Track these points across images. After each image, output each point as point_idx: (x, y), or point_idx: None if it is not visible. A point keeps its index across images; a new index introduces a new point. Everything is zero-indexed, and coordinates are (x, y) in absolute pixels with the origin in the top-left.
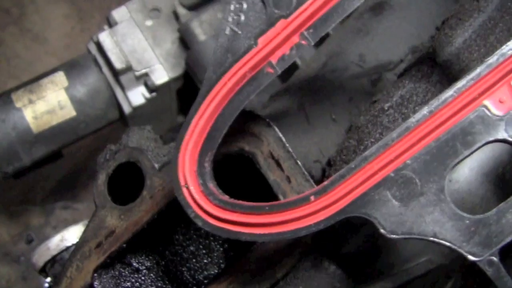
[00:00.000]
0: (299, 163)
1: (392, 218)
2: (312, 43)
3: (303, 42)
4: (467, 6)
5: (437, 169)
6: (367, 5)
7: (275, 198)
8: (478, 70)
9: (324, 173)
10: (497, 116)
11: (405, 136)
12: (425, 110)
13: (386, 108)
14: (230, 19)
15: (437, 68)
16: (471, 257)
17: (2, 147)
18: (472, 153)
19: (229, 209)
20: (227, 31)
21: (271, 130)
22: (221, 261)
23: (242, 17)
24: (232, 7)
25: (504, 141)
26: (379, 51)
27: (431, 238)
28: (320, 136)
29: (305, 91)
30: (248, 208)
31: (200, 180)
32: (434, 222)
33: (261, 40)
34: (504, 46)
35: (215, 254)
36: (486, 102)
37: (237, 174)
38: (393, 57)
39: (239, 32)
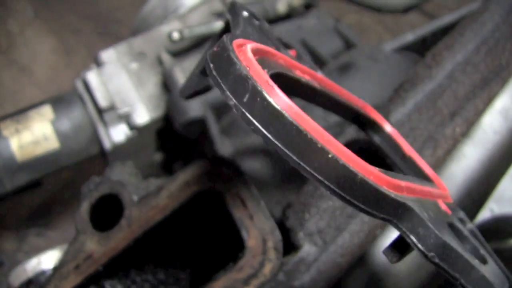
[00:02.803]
0: (262, 203)
1: (435, 227)
2: (319, 89)
3: (314, 83)
4: (421, 72)
5: (437, 215)
6: (335, 64)
7: (239, 233)
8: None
9: (284, 214)
10: (446, 212)
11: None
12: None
13: None
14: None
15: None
16: None
17: None
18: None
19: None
20: None
21: (239, 174)
22: None
23: (256, 35)
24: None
25: (456, 227)
26: None
27: (469, 260)
28: (283, 181)
29: None
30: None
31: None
32: (461, 248)
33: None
34: None
35: (182, 283)
36: (438, 201)
37: (206, 210)
38: None
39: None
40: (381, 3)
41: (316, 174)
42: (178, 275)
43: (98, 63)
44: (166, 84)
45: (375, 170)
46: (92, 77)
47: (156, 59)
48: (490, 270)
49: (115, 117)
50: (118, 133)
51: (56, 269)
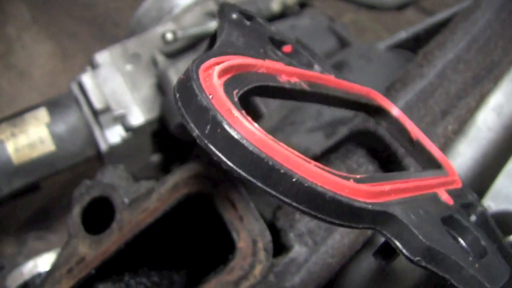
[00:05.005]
0: (252, 204)
1: (421, 230)
2: (309, 90)
3: (303, 84)
4: (412, 71)
5: (430, 214)
6: (328, 63)
7: (229, 234)
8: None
9: (275, 215)
10: (446, 203)
11: (401, 180)
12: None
13: (332, 159)
14: (228, 36)
15: (380, 126)
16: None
17: None
18: (443, 218)
19: (276, 142)
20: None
21: (229, 176)
22: None
23: (242, 42)
24: (228, 31)
25: (457, 220)
26: None
27: (457, 260)
28: None
29: None
30: (295, 153)
31: (230, 100)
32: (451, 249)
33: (268, 61)
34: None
35: (176, 285)
36: (437, 192)
37: (197, 212)
38: (348, 113)
39: (242, 46)
40: (375, 0)
41: (283, 198)
42: (172, 277)
43: (93, 66)
44: (161, 86)
45: (350, 183)
46: (87, 79)
47: (151, 60)
48: (487, 263)
49: (110, 119)
50: (114, 135)
51: (49, 273)
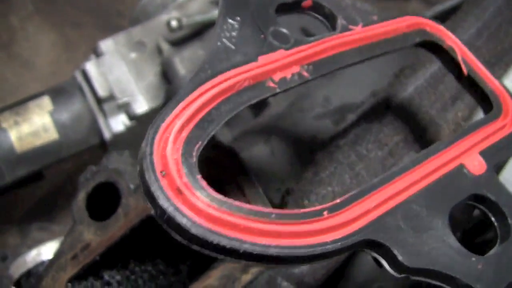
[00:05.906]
0: (260, 190)
1: (408, 248)
2: (311, 78)
3: (303, 73)
4: (421, 57)
5: (438, 207)
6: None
7: None
8: (453, 138)
9: (283, 200)
10: (473, 175)
11: (405, 174)
12: (419, 157)
13: (341, 145)
14: (222, 33)
15: (390, 111)
16: None
17: None
18: (463, 200)
19: (226, 210)
20: (219, 43)
21: (237, 161)
22: (187, 280)
23: (236, 36)
24: (222, 23)
25: (483, 197)
26: (343, 94)
27: (447, 273)
28: (282, 168)
29: (273, 127)
30: (250, 212)
31: (185, 169)
32: (446, 257)
33: (261, 58)
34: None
35: (182, 274)
36: (464, 162)
37: None
38: (356, 100)
39: (233, 47)
40: None
41: (238, 263)
42: (178, 266)
43: (97, 54)
44: (166, 74)
45: (316, 226)
46: (91, 67)
47: (155, 48)
48: (501, 253)
49: (114, 107)
50: (118, 123)
51: (53, 259)
